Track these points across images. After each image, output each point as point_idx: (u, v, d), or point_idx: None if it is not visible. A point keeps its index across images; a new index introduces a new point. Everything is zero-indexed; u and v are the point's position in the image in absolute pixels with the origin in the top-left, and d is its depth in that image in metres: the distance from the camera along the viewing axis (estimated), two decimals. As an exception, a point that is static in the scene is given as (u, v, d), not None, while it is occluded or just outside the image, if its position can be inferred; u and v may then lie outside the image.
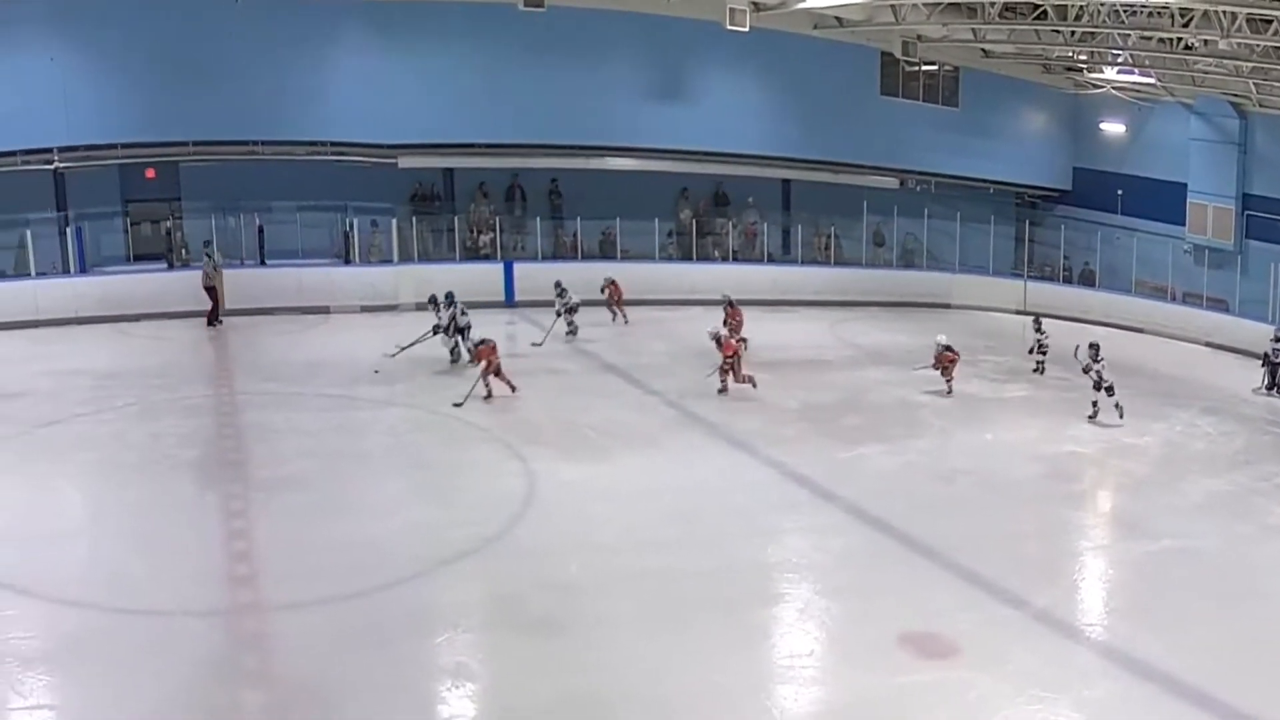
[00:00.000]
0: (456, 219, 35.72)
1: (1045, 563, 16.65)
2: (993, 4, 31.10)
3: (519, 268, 34.36)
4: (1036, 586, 15.41)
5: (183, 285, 32.87)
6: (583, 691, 12.65)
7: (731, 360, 25.17)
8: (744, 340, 27.87)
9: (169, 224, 35.86)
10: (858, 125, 38.56)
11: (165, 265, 34.97)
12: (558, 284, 30.91)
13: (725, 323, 28.99)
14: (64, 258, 34.44)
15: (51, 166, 34.35)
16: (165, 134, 34.18)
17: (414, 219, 34.98)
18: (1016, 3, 30.95)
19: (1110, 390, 24.37)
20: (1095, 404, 24.49)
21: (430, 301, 28.29)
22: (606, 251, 36.62)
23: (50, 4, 32.23)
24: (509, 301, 33.54)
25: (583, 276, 32.79)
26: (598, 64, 35.49)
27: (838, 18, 35.28)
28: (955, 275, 38.88)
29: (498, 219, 35.78)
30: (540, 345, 29.31)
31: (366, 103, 33.74)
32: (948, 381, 26.13)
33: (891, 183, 39.97)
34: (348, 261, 34.55)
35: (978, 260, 39.01)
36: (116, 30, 32.81)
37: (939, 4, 32.09)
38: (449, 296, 27.87)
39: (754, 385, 25.21)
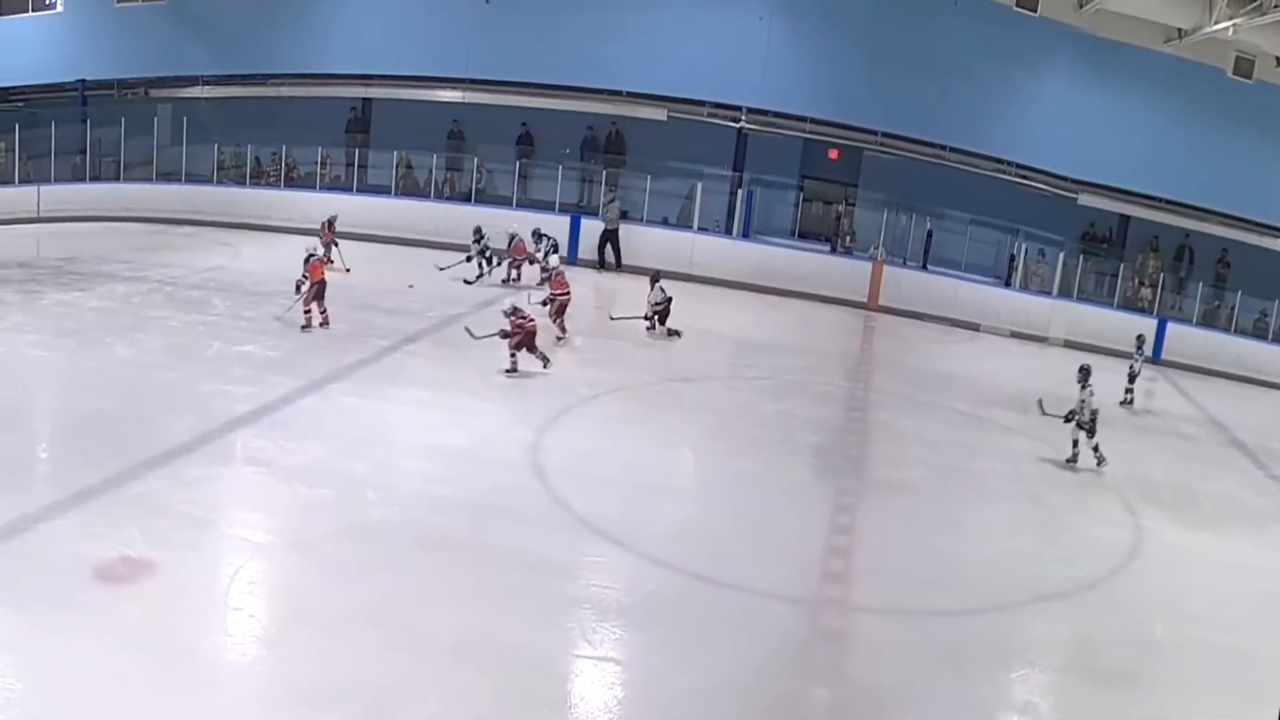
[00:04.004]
0: (1122, 266, 34.95)
1: None
2: None
3: (1172, 327, 33.24)
4: None
5: (844, 271, 34.00)
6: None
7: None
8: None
9: (840, 208, 36.91)
10: None
11: (829, 248, 36.00)
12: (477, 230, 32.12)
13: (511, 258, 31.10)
14: (728, 218, 36.28)
15: (737, 125, 36.21)
16: (855, 118, 35.31)
17: (1081, 257, 34.56)
18: None
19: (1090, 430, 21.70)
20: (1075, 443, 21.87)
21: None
22: (1259, 331, 34.78)
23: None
24: (1155, 358, 32.42)
25: (1234, 352, 32.13)
26: (1288, 144, 33.84)
27: None
28: None
29: (1162, 275, 34.85)
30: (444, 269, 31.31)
31: (1059, 133, 33.55)
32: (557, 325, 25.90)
33: None
34: (1007, 284, 34.50)
35: None
36: (831, 5, 34.07)
37: None
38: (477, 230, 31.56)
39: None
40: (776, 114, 35.95)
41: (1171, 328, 32.94)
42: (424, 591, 14.17)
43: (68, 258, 30.82)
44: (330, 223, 31.36)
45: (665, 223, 36.57)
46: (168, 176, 38.90)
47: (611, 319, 27.86)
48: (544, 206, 36.68)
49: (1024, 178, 34.59)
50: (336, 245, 30.97)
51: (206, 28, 38.71)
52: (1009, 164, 34.67)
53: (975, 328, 32.26)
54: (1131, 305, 34.44)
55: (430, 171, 38.54)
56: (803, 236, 36.79)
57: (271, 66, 39.58)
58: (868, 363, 28.24)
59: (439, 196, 38.11)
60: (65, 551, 14.12)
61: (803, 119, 35.91)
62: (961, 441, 22.84)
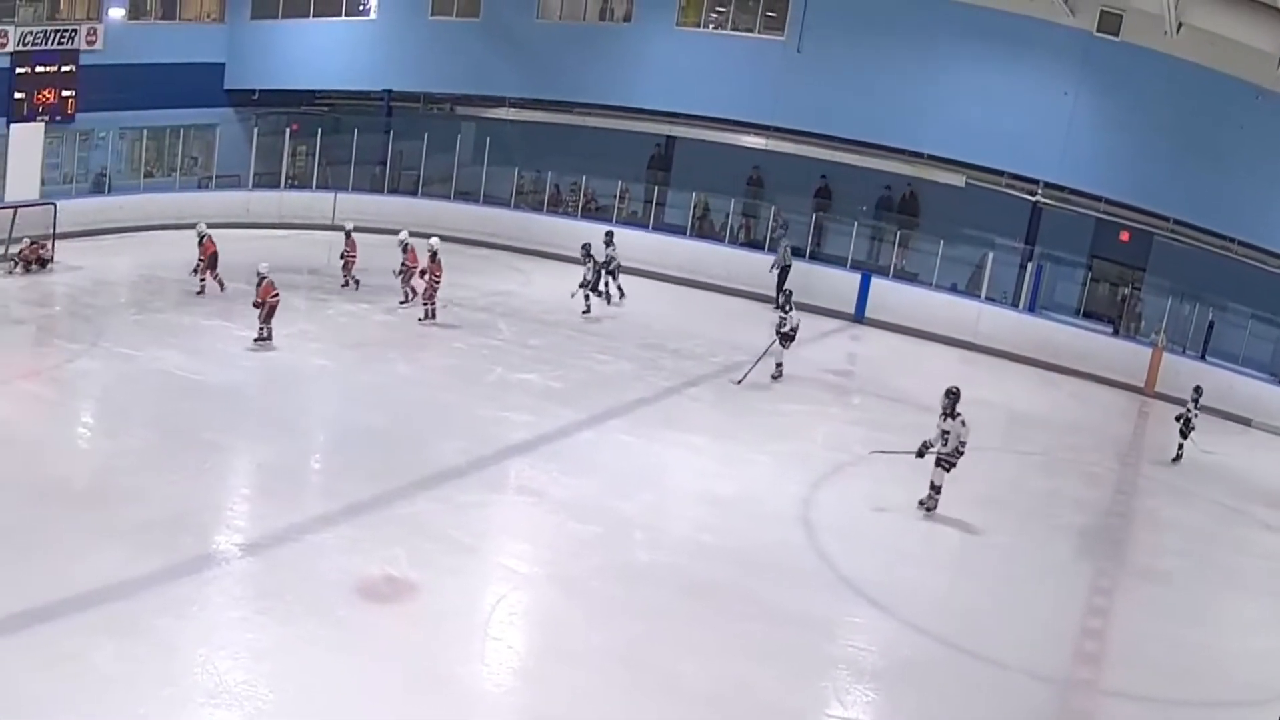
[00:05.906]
0: (1391, 371, 34.08)
1: None
2: None
3: None
4: None
5: (1124, 354, 33.95)
6: None
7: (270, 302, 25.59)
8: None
9: (1126, 291, 36.75)
10: None
11: (1111, 330, 36.04)
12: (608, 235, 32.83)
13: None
14: (1016, 290, 36.45)
15: (1033, 198, 36.39)
16: (1150, 202, 35.00)
17: (1356, 361, 33.89)
18: None
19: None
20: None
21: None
22: None
23: (1084, 44, 34.06)
24: None
25: None
26: None
27: None
28: None
29: None
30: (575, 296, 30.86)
31: (1345, 237, 32.95)
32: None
33: None
34: (1277, 381, 33.96)
35: None
36: (1138, 86, 33.93)
37: None
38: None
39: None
40: (1072, 190, 36.14)
41: None
42: (683, 638, 15.05)
43: (358, 268, 32.24)
44: (348, 233, 32.41)
45: (953, 289, 37.21)
46: (465, 196, 41.03)
47: (736, 383, 27.43)
48: (836, 262, 37.70)
49: (1293, 271, 34.10)
50: (351, 264, 31.96)
51: (517, 49, 40.57)
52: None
53: (1247, 422, 32.03)
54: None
55: (727, 216, 39.61)
56: (1087, 315, 36.84)
57: (578, 95, 41.37)
58: (1139, 448, 28.48)
59: (733, 242, 39.15)
60: (331, 565, 15.63)
61: (1098, 198, 36.00)
62: (1223, 535, 22.99)
